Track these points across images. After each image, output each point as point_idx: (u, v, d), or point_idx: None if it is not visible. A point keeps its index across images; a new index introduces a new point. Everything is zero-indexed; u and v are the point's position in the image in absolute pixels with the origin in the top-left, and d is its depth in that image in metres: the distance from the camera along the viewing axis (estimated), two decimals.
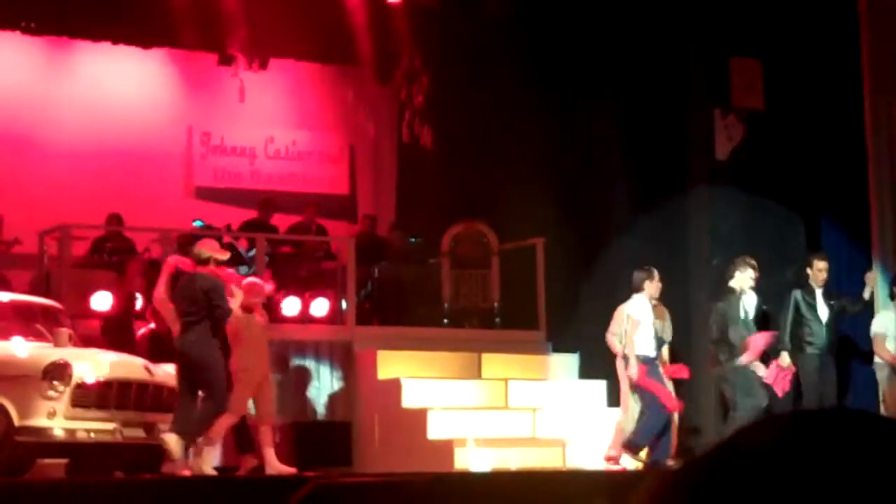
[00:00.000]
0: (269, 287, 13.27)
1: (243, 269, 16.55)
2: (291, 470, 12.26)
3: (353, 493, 10.48)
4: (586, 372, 16.76)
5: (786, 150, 17.43)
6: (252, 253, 16.98)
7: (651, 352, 13.94)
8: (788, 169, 17.40)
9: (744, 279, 14.34)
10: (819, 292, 14.80)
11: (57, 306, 13.14)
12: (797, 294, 14.74)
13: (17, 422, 11.14)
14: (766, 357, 14.31)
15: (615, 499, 9.11)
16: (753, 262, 14.55)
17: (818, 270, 14.82)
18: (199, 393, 12.24)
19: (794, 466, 1.07)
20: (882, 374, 14.38)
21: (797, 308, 14.66)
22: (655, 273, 14.19)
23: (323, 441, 13.92)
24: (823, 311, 14.70)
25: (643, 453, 13.87)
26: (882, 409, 14.31)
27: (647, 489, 1.13)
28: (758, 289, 14.54)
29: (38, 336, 12.29)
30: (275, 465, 12.36)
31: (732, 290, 14.36)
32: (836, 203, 17.25)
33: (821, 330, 14.58)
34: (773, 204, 17.30)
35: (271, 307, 15.90)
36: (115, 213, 17.31)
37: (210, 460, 12.38)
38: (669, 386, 14.16)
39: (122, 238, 17.17)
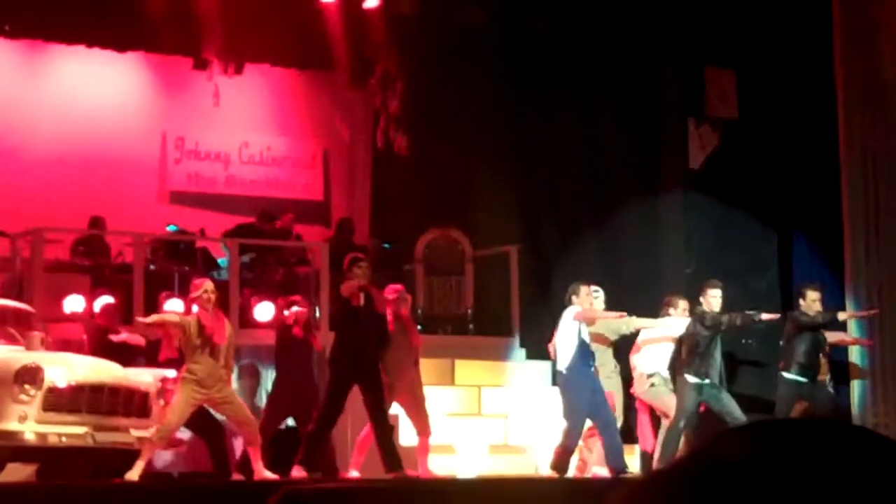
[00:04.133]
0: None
1: (215, 274, 16.53)
2: (274, 477, 12.21)
3: (324, 499, 10.47)
4: None
5: (759, 159, 17.50)
6: (225, 260, 16.94)
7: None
8: (762, 177, 17.47)
9: (706, 303, 13.94)
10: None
11: (29, 310, 13.08)
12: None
13: None
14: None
15: None
16: (715, 282, 13.89)
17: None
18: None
19: (769, 475, 1.08)
20: None
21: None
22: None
23: (297, 448, 13.84)
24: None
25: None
26: None
27: (625, 500, 1.13)
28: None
29: (10, 339, 12.23)
30: (261, 473, 12.29)
31: (699, 312, 13.85)
32: (809, 211, 17.33)
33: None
34: (746, 212, 17.37)
35: (244, 312, 15.89)
36: (96, 215, 17.21)
37: None
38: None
39: (97, 242, 17.09)
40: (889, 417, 16.23)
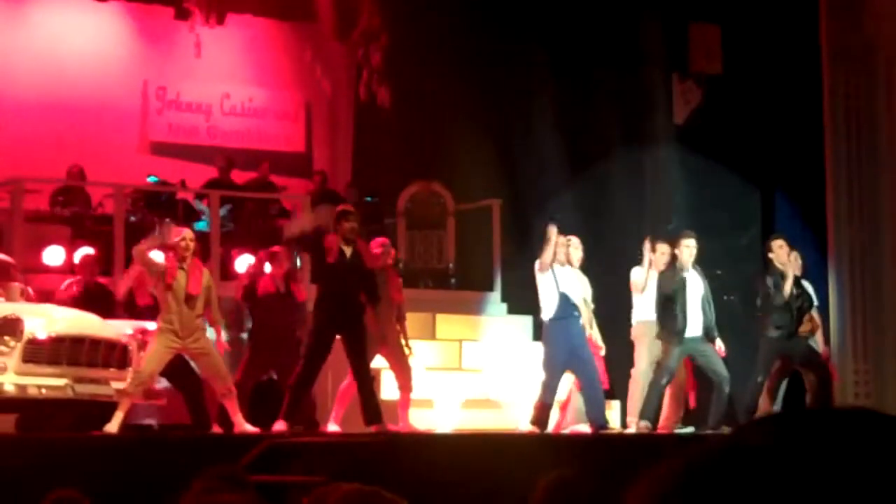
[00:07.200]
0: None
1: (199, 224, 16.47)
2: (255, 430, 12.17)
3: (306, 451, 10.47)
4: (540, 334, 16.76)
5: (743, 115, 17.50)
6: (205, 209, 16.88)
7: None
8: (746, 133, 17.47)
9: (681, 254, 13.54)
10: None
11: (8, 260, 13.00)
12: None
13: None
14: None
15: (568, 463, 9.14)
16: (688, 233, 13.67)
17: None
18: None
19: (798, 465, 1.06)
20: None
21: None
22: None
23: (279, 401, 13.86)
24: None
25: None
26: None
27: (646, 488, 1.11)
28: (701, 266, 13.63)
29: None
30: (241, 426, 12.25)
31: (671, 267, 13.53)
32: (792, 168, 17.35)
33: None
34: (729, 168, 17.37)
35: (225, 265, 15.85)
36: (74, 164, 17.11)
37: None
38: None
39: (77, 192, 17.01)
40: (868, 375, 16.31)
